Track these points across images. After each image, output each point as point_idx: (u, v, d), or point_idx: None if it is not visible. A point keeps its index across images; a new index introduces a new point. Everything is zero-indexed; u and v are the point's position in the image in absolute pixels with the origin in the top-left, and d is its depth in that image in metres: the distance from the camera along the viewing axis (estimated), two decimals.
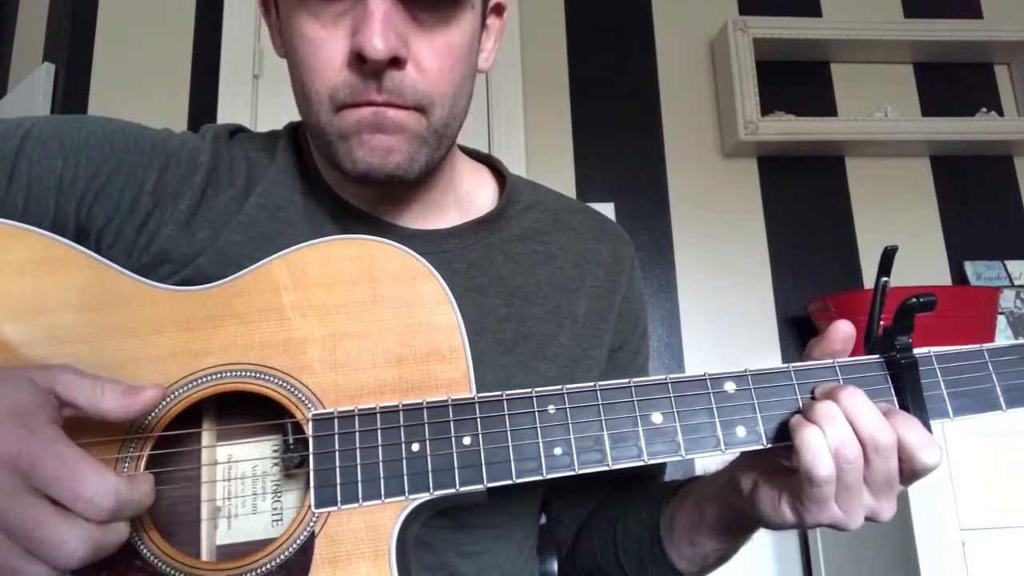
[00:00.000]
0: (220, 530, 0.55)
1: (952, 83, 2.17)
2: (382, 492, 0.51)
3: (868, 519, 0.52)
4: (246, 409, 0.56)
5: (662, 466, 0.81)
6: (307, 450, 0.52)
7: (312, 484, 0.51)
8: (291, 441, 0.54)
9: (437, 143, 0.63)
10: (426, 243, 0.69)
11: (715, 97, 2.11)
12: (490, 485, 0.51)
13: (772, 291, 1.99)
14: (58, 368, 0.47)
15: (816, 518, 0.51)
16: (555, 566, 0.82)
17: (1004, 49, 2.14)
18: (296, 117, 0.70)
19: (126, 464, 0.52)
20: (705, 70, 2.13)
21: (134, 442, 0.52)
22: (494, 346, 0.69)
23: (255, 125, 1.94)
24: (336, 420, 0.53)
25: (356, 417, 0.53)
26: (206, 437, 0.56)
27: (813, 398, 0.53)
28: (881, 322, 0.55)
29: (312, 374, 0.54)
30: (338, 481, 0.51)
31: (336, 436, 0.52)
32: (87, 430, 0.51)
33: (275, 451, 0.57)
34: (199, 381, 0.54)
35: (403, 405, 0.53)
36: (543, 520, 0.82)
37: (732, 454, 0.56)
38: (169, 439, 0.53)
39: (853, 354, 0.56)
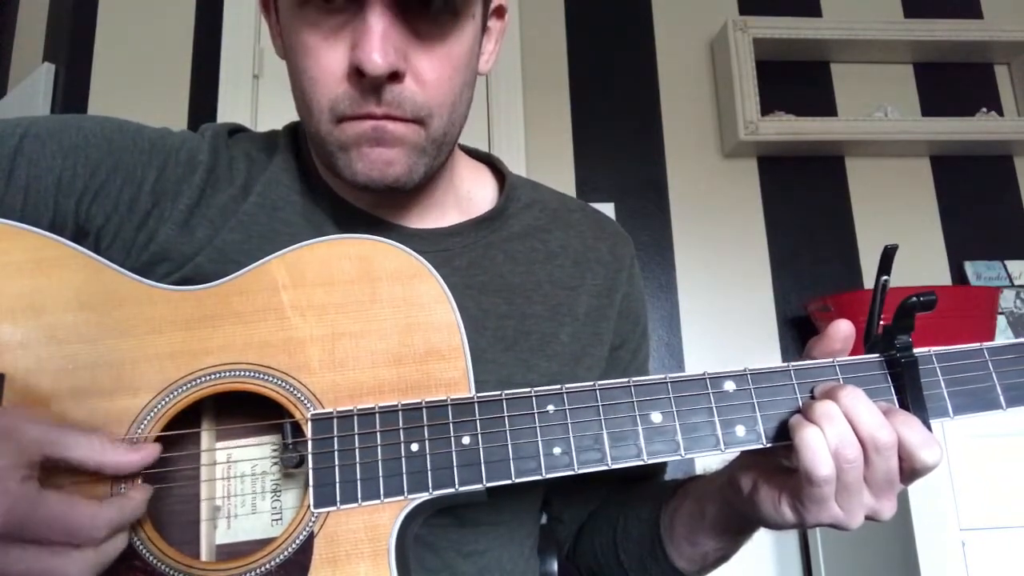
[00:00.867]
0: (219, 530, 0.55)
1: (952, 83, 2.17)
2: (381, 492, 0.51)
3: (868, 518, 0.51)
4: (245, 409, 0.56)
5: (662, 465, 0.81)
6: (306, 450, 0.52)
7: (311, 484, 0.51)
8: (290, 441, 0.54)
9: (436, 152, 0.64)
10: (426, 242, 0.69)
11: (715, 97, 2.11)
12: (489, 485, 0.51)
13: (772, 291, 1.99)
14: (49, 430, 0.47)
15: (816, 518, 0.51)
16: (555, 566, 0.82)
17: (1004, 49, 2.14)
18: (296, 116, 0.70)
19: None
20: (705, 70, 2.13)
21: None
22: (494, 344, 0.69)
23: (255, 125, 1.94)
24: (335, 420, 0.53)
25: (355, 417, 0.53)
26: (205, 437, 0.56)
27: (813, 397, 0.53)
28: (881, 321, 0.55)
29: (311, 374, 0.54)
30: (337, 481, 0.51)
31: (335, 436, 0.52)
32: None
33: (274, 451, 0.57)
34: (198, 381, 0.54)
35: (402, 405, 0.53)
36: (544, 519, 0.82)
37: (732, 453, 0.56)
38: (168, 439, 0.53)
39: (853, 354, 0.56)
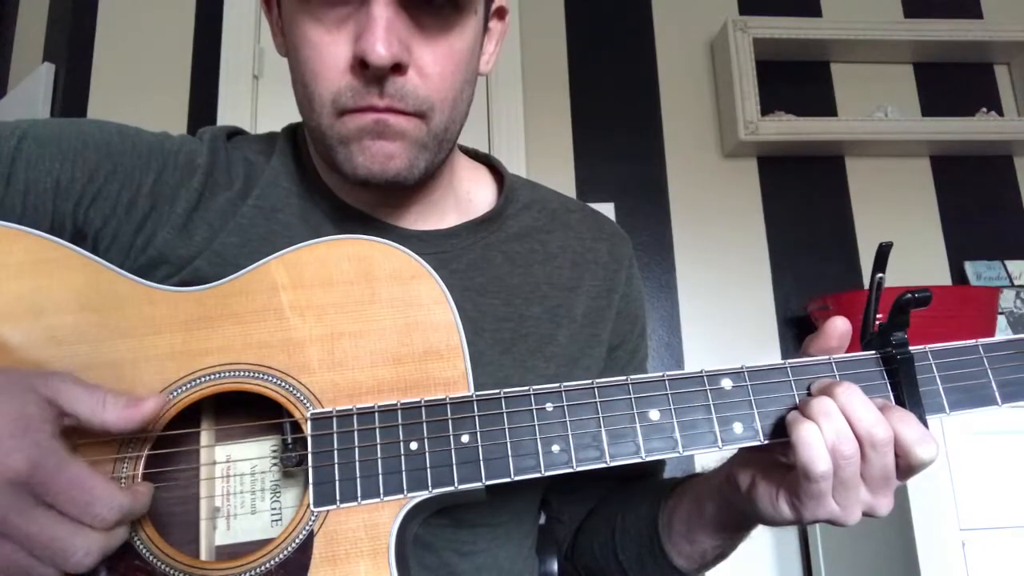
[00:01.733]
0: (219, 530, 0.55)
1: (952, 83, 2.17)
2: (381, 490, 0.51)
3: (865, 514, 0.52)
4: (245, 409, 0.56)
5: (661, 464, 0.81)
6: (306, 449, 0.52)
7: (311, 482, 0.51)
8: (290, 440, 0.54)
9: (437, 148, 0.64)
10: (425, 244, 0.70)
11: (715, 97, 2.11)
12: (488, 483, 0.52)
13: (772, 291, 1.99)
14: (59, 377, 0.48)
15: (814, 513, 0.51)
16: (555, 566, 0.82)
17: (1004, 49, 2.14)
18: (296, 117, 0.70)
19: (125, 464, 0.52)
20: (705, 70, 2.13)
21: (133, 442, 0.52)
22: (493, 346, 0.69)
23: (255, 125, 1.95)
24: (335, 419, 0.53)
25: (354, 416, 0.53)
26: (205, 437, 0.56)
27: (810, 394, 0.53)
28: (877, 318, 0.55)
29: (310, 374, 0.54)
30: (337, 480, 0.51)
31: (335, 435, 0.52)
32: (84, 432, 0.51)
33: (274, 451, 0.57)
34: (198, 381, 0.54)
35: (401, 404, 0.53)
36: (542, 519, 0.82)
37: (730, 451, 0.56)
38: (168, 439, 0.53)
39: (850, 351, 0.56)
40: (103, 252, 0.63)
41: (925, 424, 0.51)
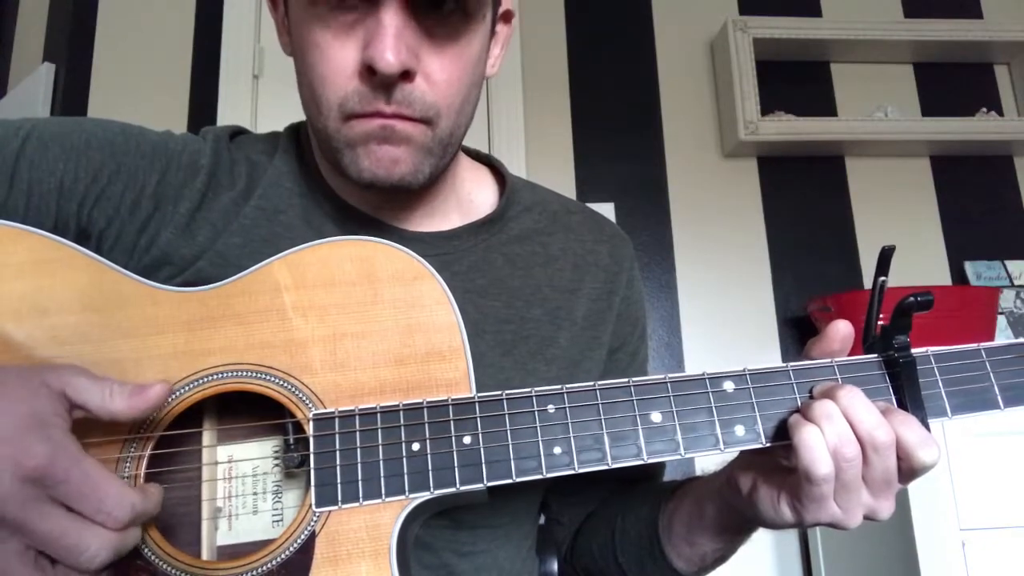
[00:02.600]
0: (221, 531, 0.55)
1: (952, 83, 2.17)
2: (382, 491, 0.51)
3: (867, 518, 0.52)
4: (247, 409, 0.56)
5: (662, 466, 0.81)
6: (307, 450, 0.52)
7: (312, 483, 0.51)
8: (292, 441, 0.54)
9: (443, 152, 0.64)
10: (426, 245, 0.70)
11: (715, 97, 2.11)
12: (490, 484, 0.52)
13: (772, 291, 1.99)
14: (67, 370, 0.48)
15: (815, 517, 0.51)
16: (555, 566, 0.82)
17: (1004, 49, 2.14)
18: (296, 117, 0.70)
19: (128, 463, 0.52)
20: (705, 70, 2.13)
21: (136, 442, 0.52)
22: (494, 348, 0.69)
23: (255, 125, 1.94)
24: (337, 419, 0.53)
25: (356, 416, 0.53)
26: (207, 437, 0.56)
27: (811, 397, 0.53)
28: (879, 321, 0.55)
29: (313, 374, 0.54)
30: (338, 480, 0.51)
31: (337, 435, 0.52)
32: (91, 429, 0.51)
33: (276, 451, 0.57)
34: (200, 381, 0.54)
35: (403, 405, 0.53)
36: (542, 520, 0.82)
37: (731, 453, 0.56)
38: (170, 439, 0.54)
39: (852, 354, 0.56)
40: (107, 252, 0.63)
41: (927, 427, 0.51)
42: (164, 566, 0.50)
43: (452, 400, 0.53)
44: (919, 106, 2.16)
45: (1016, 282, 1.97)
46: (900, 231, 2.03)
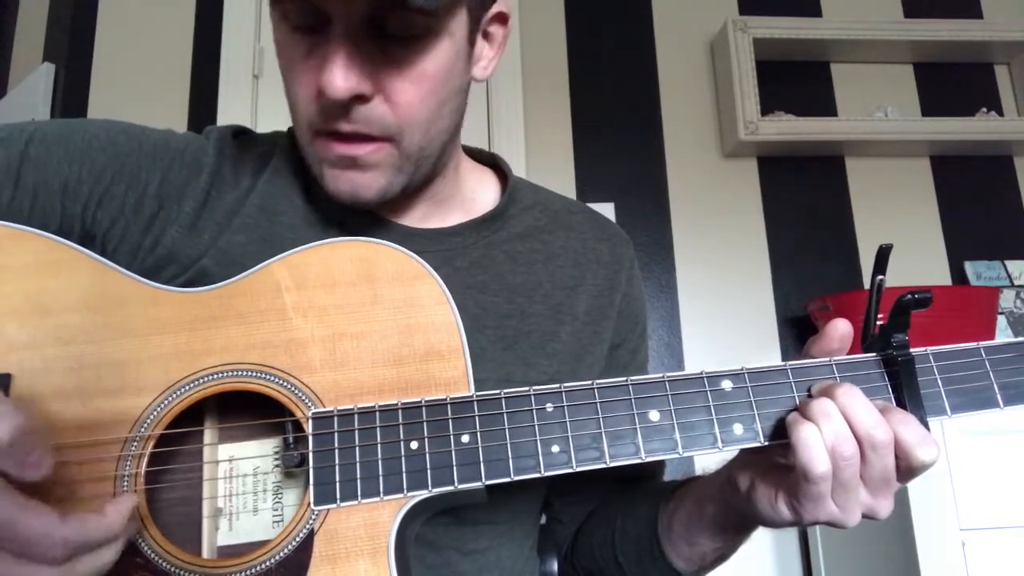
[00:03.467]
0: (221, 530, 0.56)
1: (952, 83, 2.17)
2: (381, 489, 0.51)
3: (866, 517, 0.52)
4: (248, 409, 0.56)
5: (662, 465, 0.81)
6: (307, 448, 0.52)
7: (311, 481, 0.52)
8: (291, 440, 0.54)
9: (414, 168, 0.65)
10: (427, 241, 0.70)
11: (715, 97, 2.11)
12: (488, 483, 0.52)
13: (772, 291, 1.99)
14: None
15: (813, 515, 0.51)
16: (555, 566, 0.82)
17: (1004, 49, 2.14)
18: None
19: (128, 463, 0.52)
20: (705, 70, 2.13)
21: (136, 441, 0.52)
22: (495, 343, 0.69)
23: (255, 125, 1.95)
24: (336, 418, 0.53)
25: (355, 415, 0.53)
26: (208, 436, 0.57)
27: (810, 396, 0.53)
28: (878, 320, 0.55)
29: (312, 374, 0.55)
30: (337, 479, 0.52)
31: (335, 434, 0.53)
32: (88, 431, 0.51)
33: (276, 451, 0.57)
34: (200, 381, 0.54)
35: (402, 404, 0.53)
36: (543, 519, 0.82)
37: (730, 452, 0.56)
38: (171, 438, 0.54)
39: (851, 353, 0.56)
40: (111, 253, 0.63)
41: (926, 426, 0.51)
42: (164, 564, 0.50)
43: (451, 399, 0.53)
44: (919, 106, 2.16)
45: (1016, 282, 1.97)
46: (900, 231, 2.03)
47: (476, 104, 1.98)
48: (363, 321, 0.56)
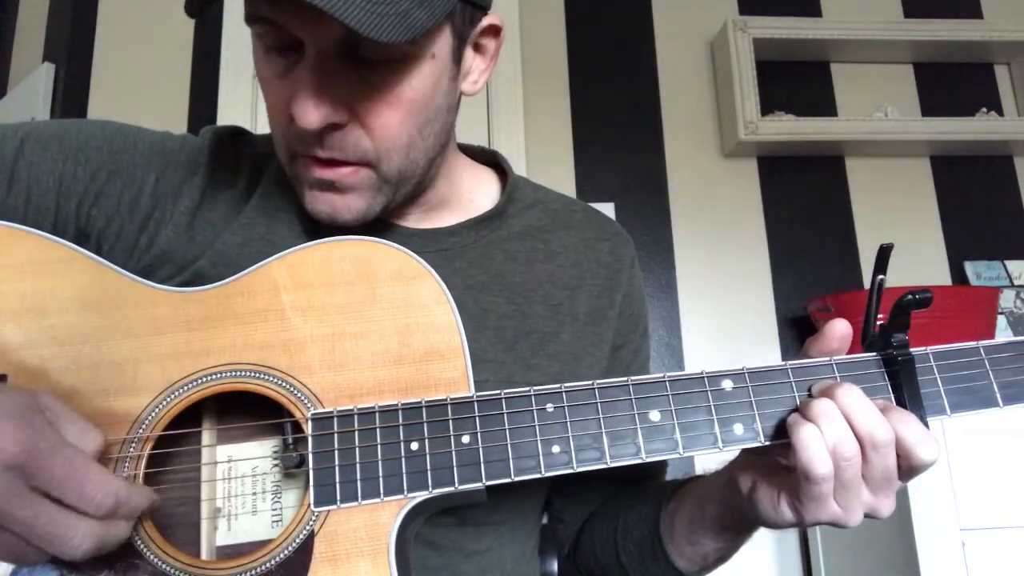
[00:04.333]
0: (220, 531, 0.55)
1: (952, 83, 2.17)
2: (381, 490, 0.51)
3: (867, 516, 0.52)
4: (247, 409, 0.56)
5: (663, 465, 0.81)
6: (306, 450, 0.52)
7: (311, 483, 0.51)
8: (290, 441, 0.54)
9: (395, 188, 0.64)
10: (426, 242, 0.70)
11: (715, 97, 2.11)
12: (489, 483, 0.52)
13: (772, 291, 1.99)
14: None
15: (815, 516, 0.51)
16: (555, 566, 0.82)
17: (1004, 49, 2.14)
18: None
19: (127, 463, 0.52)
20: (705, 70, 2.13)
21: (135, 442, 0.52)
22: (495, 343, 0.69)
23: (255, 125, 1.94)
24: (335, 419, 0.53)
25: (355, 416, 0.53)
26: (206, 437, 0.56)
27: (811, 396, 0.53)
28: (878, 320, 0.55)
29: (311, 374, 0.54)
30: (337, 480, 0.51)
31: (335, 435, 0.52)
32: None
33: (275, 451, 0.57)
34: (199, 381, 0.54)
35: (402, 404, 0.53)
36: (545, 519, 0.82)
37: (731, 452, 0.56)
38: (170, 439, 0.53)
39: (851, 353, 0.56)
40: (107, 252, 0.63)
41: (926, 425, 0.51)
42: (163, 566, 0.50)
43: (451, 399, 0.53)
44: (919, 106, 2.16)
45: (1016, 282, 1.97)
46: (900, 231, 2.03)
47: (476, 104, 1.98)
48: (362, 321, 0.56)
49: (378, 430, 0.52)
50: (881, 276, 0.56)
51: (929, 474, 0.51)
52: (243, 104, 1.97)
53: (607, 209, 1.95)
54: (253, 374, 0.54)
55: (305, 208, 0.63)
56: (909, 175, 2.10)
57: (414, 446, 0.52)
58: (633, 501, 0.74)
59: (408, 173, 0.63)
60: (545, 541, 0.82)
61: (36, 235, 0.56)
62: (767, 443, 0.53)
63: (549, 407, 0.53)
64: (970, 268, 2.00)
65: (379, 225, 0.70)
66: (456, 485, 0.51)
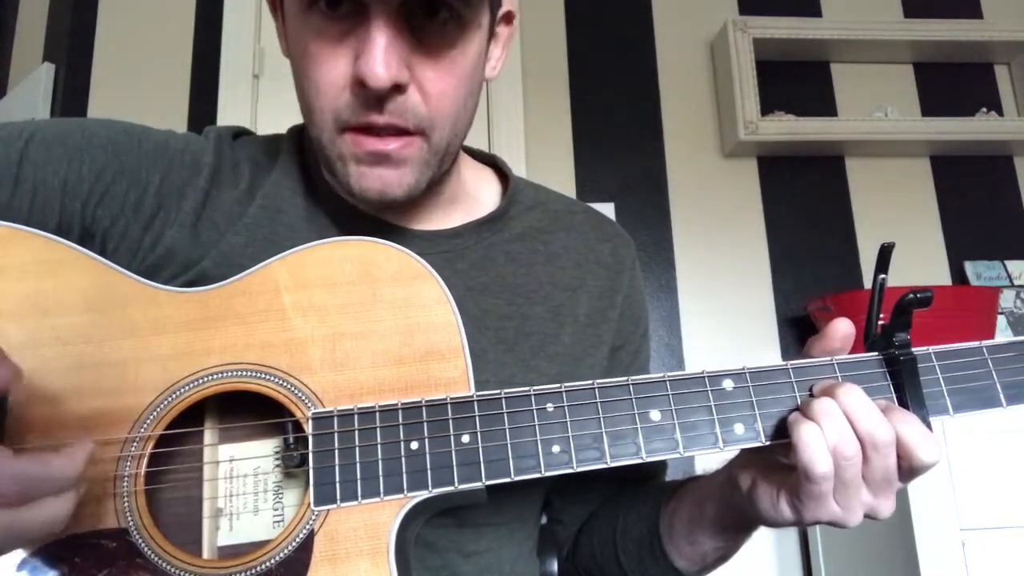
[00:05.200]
0: (222, 531, 0.55)
1: (952, 83, 2.17)
2: (381, 490, 0.51)
3: (867, 516, 0.52)
4: (248, 409, 0.56)
5: (663, 465, 0.81)
6: (307, 449, 0.52)
7: (311, 482, 0.51)
8: (291, 440, 0.54)
9: (439, 163, 0.64)
10: (428, 243, 0.70)
11: (715, 97, 2.11)
12: (489, 483, 0.52)
13: (772, 291, 1.99)
14: None
15: (815, 515, 0.51)
16: (555, 566, 0.82)
17: (1004, 49, 2.14)
18: (296, 117, 0.70)
19: (128, 463, 0.52)
20: (705, 70, 2.13)
21: (136, 441, 0.52)
22: (496, 344, 0.69)
23: (255, 125, 1.94)
24: (335, 418, 0.53)
25: (355, 415, 0.53)
26: (208, 436, 0.56)
27: (811, 395, 0.53)
28: (880, 320, 0.55)
29: (312, 374, 0.54)
30: (337, 479, 0.51)
31: (336, 434, 0.52)
32: (88, 431, 0.51)
33: (276, 451, 0.57)
34: (200, 381, 0.54)
35: (402, 404, 0.53)
36: (544, 520, 0.82)
37: (731, 452, 0.56)
38: (171, 438, 0.54)
39: (853, 353, 0.56)
40: (111, 252, 0.63)
41: (928, 426, 0.50)
42: (163, 564, 0.50)
43: (451, 399, 0.53)
44: (919, 106, 2.16)
45: (1016, 282, 1.97)
46: (900, 231, 2.03)
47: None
48: (363, 321, 0.56)
49: (378, 429, 0.52)
50: (883, 276, 0.56)
51: (929, 474, 0.51)
52: (243, 104, 1.97)
53: (607, 209, 1.95)
54: (254, 374, 0.54)
55: (349, 188, 0.61)
56: (909, 175, 2.10)
57: (414, 445, 0.52)
58: (632, 501, 0.74)
59: (452, 147, 0.64)
60: (544, 542, 0.82)
61: (40, 236, 0.56)
62: (768, 443, 0.53)
63: (549, 407, 0.53)
64: (970, 268, 2.00)
65: (382, 227, 0.70)
66: (456, 485, 0.51)
